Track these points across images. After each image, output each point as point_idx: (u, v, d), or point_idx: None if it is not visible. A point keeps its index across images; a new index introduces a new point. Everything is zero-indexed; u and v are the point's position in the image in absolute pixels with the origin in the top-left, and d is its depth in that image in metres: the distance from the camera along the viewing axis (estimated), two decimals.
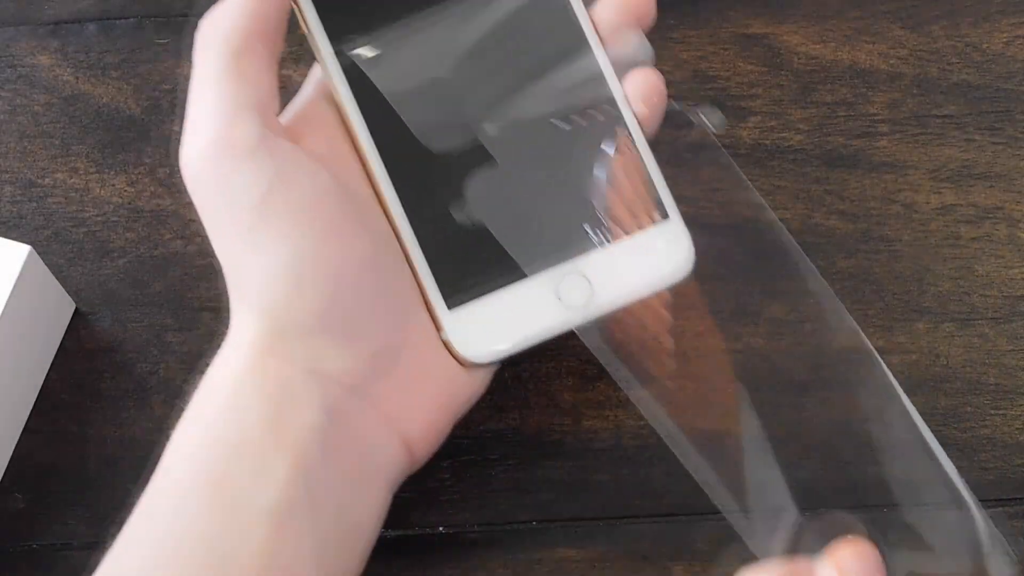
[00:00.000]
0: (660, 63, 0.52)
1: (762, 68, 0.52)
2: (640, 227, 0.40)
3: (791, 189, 0.50)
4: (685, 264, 0.40)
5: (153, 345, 0.48)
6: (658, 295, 0.40)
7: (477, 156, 0.40)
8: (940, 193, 0.50)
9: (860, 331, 0.42)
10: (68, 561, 0.45)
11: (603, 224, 0.40)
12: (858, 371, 0.42)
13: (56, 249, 0.50)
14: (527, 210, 0.40)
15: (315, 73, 0.42)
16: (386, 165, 0.40)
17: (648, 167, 0.41)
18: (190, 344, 0.48)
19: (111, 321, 0.49)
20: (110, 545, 0.37)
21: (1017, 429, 0.47)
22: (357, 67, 0.40)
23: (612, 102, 0.41)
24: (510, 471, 0.46)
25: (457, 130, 0.40)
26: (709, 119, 0.43)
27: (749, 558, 0.38)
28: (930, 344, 0.48)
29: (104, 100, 0.52)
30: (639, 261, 0.40)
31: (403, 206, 0.39)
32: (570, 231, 0.40)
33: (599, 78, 0.41)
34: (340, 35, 0.40)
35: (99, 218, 0.50)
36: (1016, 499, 0.46)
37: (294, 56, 0.50)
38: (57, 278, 0.48)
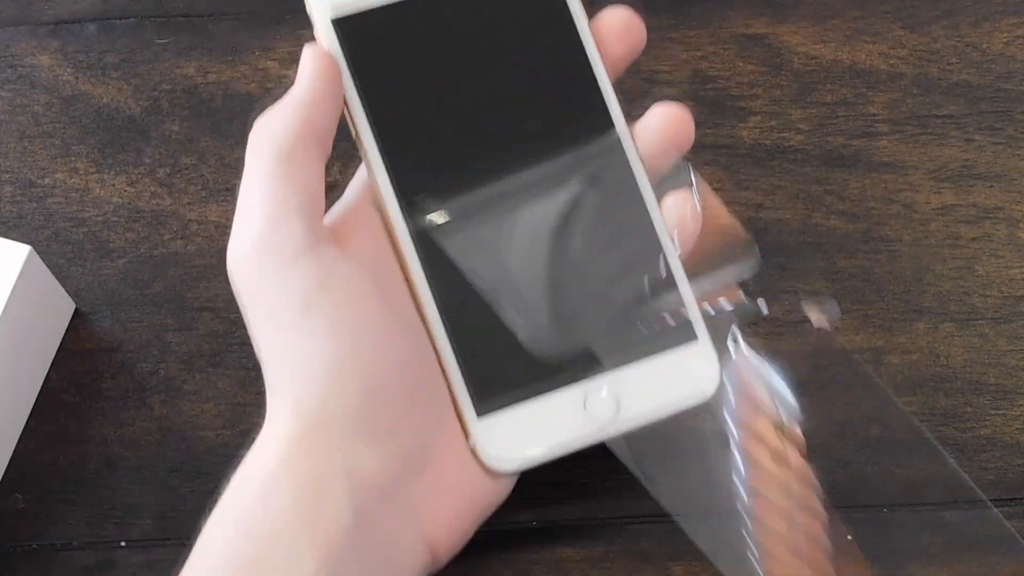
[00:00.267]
0: (660, 63, 0.52)
1: (762, 68, 0.52)
2: (669, 347, 0.41)
3: (791, 189, 0.50)
4: (710, 386, 0.41)
5: (153, 345, 0.48)
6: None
7: (513, 270, 0.41)
8: (940, 193, 0.50)
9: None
10: (68, 561, 0.45)
11: (634, 341, 0.40)
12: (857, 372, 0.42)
13: (56, 249, 0.50)
14: (561, 323, 0.41)
15: (360, 175, 0.42)
16: (426, 274, 0.40)
17: (680, 288, 0.41)
18: (190, 344, 0.48)
19: (111, 321, 0.49)
20: None
21: (1017, 429, 0.47)
22: (404, 175, 0.41)
23: (650, 224, 0.41)
24: None
25: (499, 247, 0.41)
26: (826, 310, 0.43)
27: None
28: (930, 344, 0.48)
29: (104, 100, 0.52)
30: (666, 380, 0.40)
31: (440, 314, 0.40)
32: (601, 345, 0.40)
33: (639, 200, 0.41)
34: (390, 145, 0.41)
35: (99, 218, 0.50)
36: (1016, 499, 0.46)
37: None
38: (57, 278, 0.48)
